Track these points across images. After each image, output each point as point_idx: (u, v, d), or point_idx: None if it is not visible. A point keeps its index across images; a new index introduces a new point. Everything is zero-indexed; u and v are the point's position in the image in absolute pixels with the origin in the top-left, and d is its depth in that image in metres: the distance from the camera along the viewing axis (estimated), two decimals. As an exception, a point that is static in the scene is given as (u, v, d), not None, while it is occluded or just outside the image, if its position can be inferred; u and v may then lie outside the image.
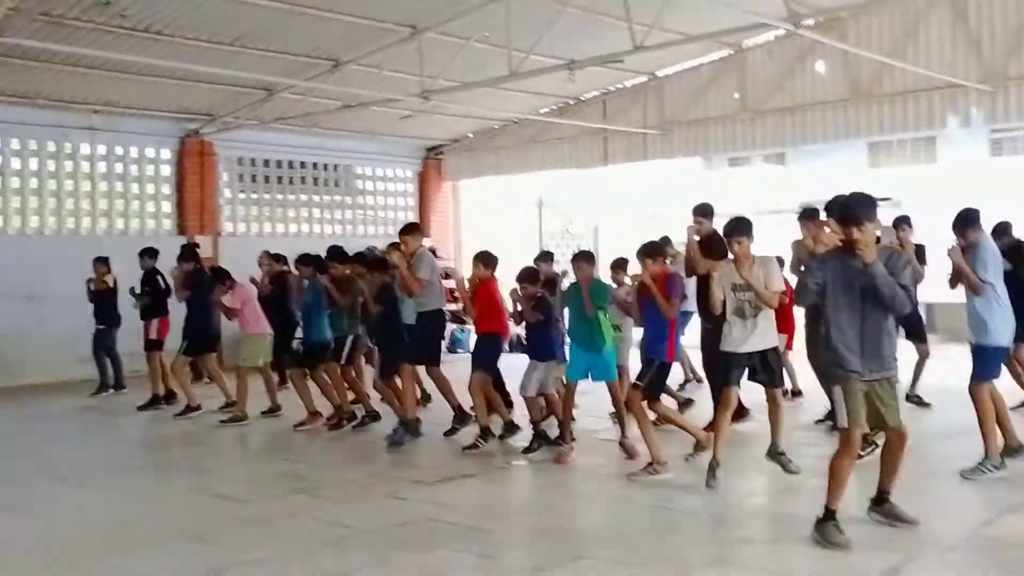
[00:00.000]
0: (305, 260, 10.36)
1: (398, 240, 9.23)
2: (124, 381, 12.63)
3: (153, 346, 11.75)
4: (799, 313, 9.29)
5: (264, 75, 13.01)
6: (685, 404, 9.84)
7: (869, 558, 5.28)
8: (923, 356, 10.04)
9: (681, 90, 15.41)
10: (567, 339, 8.66)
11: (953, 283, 7.46)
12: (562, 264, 12.31)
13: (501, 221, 19.30)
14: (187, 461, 8.75)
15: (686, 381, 11.53)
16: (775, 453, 7.16)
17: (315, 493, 7.13)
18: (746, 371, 7.04)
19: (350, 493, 7.19)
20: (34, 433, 10.14)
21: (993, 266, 7.06)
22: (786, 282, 7.66)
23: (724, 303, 7.01)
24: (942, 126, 13.33)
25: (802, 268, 8.45)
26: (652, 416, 7.53)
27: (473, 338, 9.72)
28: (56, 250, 13.90)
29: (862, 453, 6.46)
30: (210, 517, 6.54)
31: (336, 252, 10.15)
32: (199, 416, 10.70)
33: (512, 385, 9.03)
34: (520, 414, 8.92)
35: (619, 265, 9.93)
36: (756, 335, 6.92)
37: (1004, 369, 7.72)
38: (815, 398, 9.01)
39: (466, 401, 9.00)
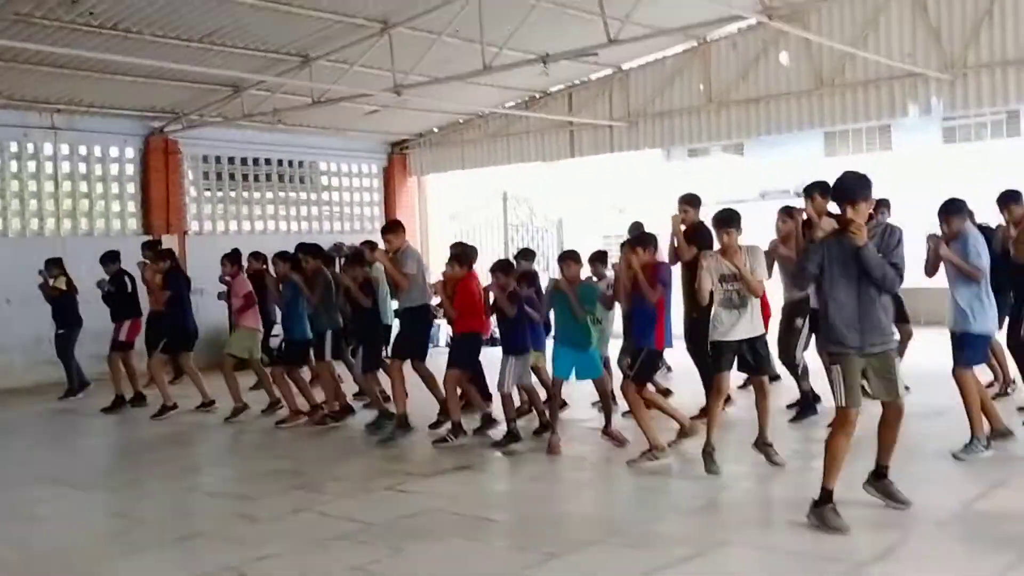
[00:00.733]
0: (282, 257, 10.37)
1: (370, 239, 9.27)
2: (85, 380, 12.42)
3: (121, 347, 11.62)
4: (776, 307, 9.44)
5: (233, 72, 12.94)
6: (664, 393, 10.00)
7: (865, 537, 5.42)
8: (906, 337, 10.28)
9: (646, 82, 15.57)
10: (553, 336, 8.70)
11: (930, 271, 7.64)
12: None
13: (467, 215, 19.36)
14: (178, 460, 8.71)
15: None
16: (762, 443, 7.26)
17: (315, 488, 7.18)
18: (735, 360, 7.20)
19: (350, 488, 7.26)
20: (14, 437, 10.03)
21: (984, 252, 7.25)
22: None
23: (711, 293, 7.19)
24: (903, 115, 13.64)
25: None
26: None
27: (447, 333, 9.77)
28: (19, 252, 13.64)
29: None
30: (216, 515, 6.57)
31: (302, 247, 10.16)
32: (177, 415, 10.64)
33: (490, 379, 9.07)
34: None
35: (598, 258, 10.06)
36: (744, 323, 7.06)
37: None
38: (792, 384, 9.23)
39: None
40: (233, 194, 16.75)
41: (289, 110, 14.48)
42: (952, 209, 7.43)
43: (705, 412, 7.61)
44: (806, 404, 9.09)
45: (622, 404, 8.15)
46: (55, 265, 12.13)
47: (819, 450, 7.31)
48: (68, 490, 7.52)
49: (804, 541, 5.41)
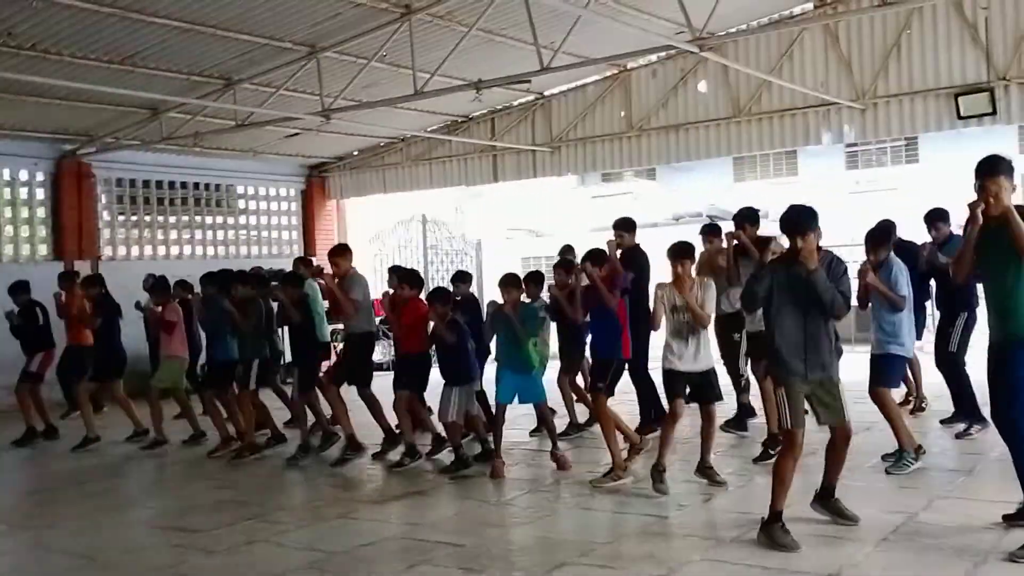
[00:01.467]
0: (209, 278, 10.23)
1: (305, 257, 9.17)
2: None
3: (31, 378, 11.21)
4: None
5: (153, 94, 12.66)
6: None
7: (824, 551, 5.53)
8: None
9: (568, 109, 15.84)
10: (495, 360, 8.68)
11: (863, 303, 7.90)
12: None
13: (386, 237, 19.30)
14: (113, 494, 8.42)
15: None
16: (704, 467, 7.31)
17: (268, 519, 7.03)
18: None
19: (304, 517, 7.15)
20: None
21: (906, 280, 7.61)
22: None
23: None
24: (817, 142, 14.23)
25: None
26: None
27: (391, 355, 9.71)
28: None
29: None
30: (174, 550, 6.35)
31: (238, 276, 10.00)
32: (100, 447, 10.34)
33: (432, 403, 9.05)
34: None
35: (532, 279, 10.10)
36: (696, 354, 7.09)
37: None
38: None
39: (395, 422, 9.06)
40: (148, 218, 16.37)
41: (210, 133, 14.24)
42: (879, 238, 7.77)
43: (642, 429, 7.79)
44: (741, 417, 9.35)
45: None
46: None
47: (757, 469, 7.62)
48: (10, 528, 7.20)
49: (775, 557, 5.47)
